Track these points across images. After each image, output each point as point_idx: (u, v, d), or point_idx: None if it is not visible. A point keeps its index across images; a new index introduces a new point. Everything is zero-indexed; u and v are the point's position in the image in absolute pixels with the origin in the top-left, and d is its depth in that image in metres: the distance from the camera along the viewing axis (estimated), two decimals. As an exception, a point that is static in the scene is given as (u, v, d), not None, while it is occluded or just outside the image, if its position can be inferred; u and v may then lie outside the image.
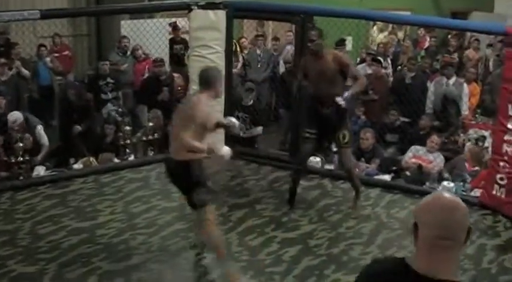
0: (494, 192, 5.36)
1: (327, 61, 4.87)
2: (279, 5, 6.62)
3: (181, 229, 4.86)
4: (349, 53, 9.31)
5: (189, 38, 6.85)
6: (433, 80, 7.57)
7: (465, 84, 7.39)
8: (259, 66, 8.55)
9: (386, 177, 6.19)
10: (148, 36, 8.40)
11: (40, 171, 6.05)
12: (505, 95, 5.25)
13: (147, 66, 8.20)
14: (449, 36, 9.65)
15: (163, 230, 4.87)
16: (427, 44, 9.64)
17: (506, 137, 5.23)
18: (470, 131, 6.80)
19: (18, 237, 4.67)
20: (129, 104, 7.99)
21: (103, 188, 5.74)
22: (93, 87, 7.72)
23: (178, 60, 8.61)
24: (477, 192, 5.61)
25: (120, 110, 7.45)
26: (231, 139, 6.71)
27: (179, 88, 7.77)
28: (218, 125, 4.00)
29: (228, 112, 6.61)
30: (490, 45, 9.11)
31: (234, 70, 7.51)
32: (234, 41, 7.46)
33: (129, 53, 8.32)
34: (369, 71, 7.89)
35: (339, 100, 4.82)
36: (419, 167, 6.14)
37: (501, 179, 5.29)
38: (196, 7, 6.40)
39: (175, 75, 7.92)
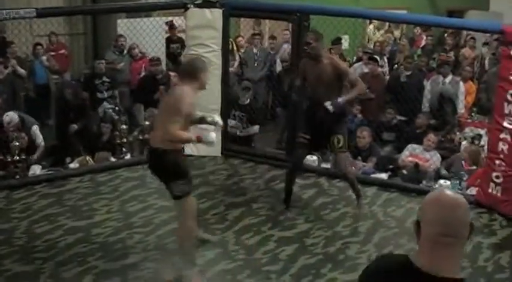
0: (490, 190, 5.37)
1: (324, 65, 4.85)
2: (275, 4, 6.61)
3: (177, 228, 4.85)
4: (346, 52, 9.34)
5: (186, 37, 6.85)
6: (430, 79, 7.58)
7: (461, 83, 7.41)
8: (256, 65, 8.55)
9: (383, 176, 6.20)
10: (144, 35, 8.39)
11: (36, 170, 6.03)
12: (500, 94, 5.26)
13: (143, 65, 8.20)
14: (445, 34, 9.67)
15: (160, 229, 4.86)
16: (423, 43, 9.66)
17: (502, 136, 5.24)
18: (467, 130, 6.82)
19: (15, 237, 4.66)
20: (125, 103, 7.98)
21: (99, 187, 5.74)
22: (89, 86, 7.70)
23: (174, 59, 8.60)
24: (473, 191, 5.62)
25: (116, 108, 7.44)
26: (227, 137, 6.74)
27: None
28: (201, 121, 4.01)
29: (224, 111, 6.63)
30: (486, 44, 9.13)
31: (231, 69, 7.51)
32: (231, 39, 7.46)
33: (125, 51, 8.32)
34: (366, 70, 7.92)
35: (327, 104, 4.79)
36: (416, 165, 6.15)
37: (497, 177, 5.30)
38: (192, 6, 6.40)
39: (172, 74, 7.92)
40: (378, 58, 8.19)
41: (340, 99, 4.81)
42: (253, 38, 8.81)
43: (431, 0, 11.49)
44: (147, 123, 6.82)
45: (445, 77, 7.38)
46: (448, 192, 1.70)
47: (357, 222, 5.08)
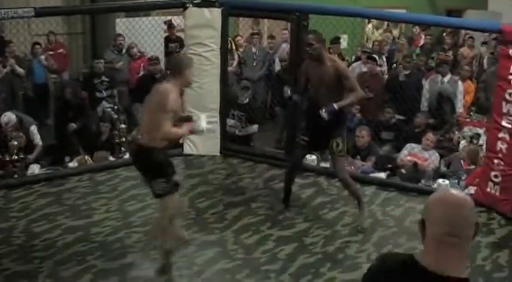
0: (488, 189, 5.38)
1: (327, 67, 4.81)
2: (274, 3, 6.61)
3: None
4: (345, 51, 9.34)
5: (185, 36, 6.85)
6: (428, 78, 7.58)
7: (460, 82, 7.41)
8: (254, 64, 8.55)
9: (382, 175, 6.20)
10: (143, 34, 8.38)
11: (35, 169, 6.03)
12: (499, 93, 5.26)
13: (142, 64, 8.20)
14: (444, 34, 9.69)
15: (159, 228, 4.86)
16: (422, 42, 9.67)
17: (500, 135, 5.24)
18: (465, 129, 6.82)
19: (13, 236, 4.66)
20: (124, 102, 7.97)
21: (98, 186, 5.74)
22: (87, 86, 7.70)
23: (173, 58, 8.60)
24: (472, 190, 5.62)
25: (115, 107, 7.43)
26: (226, 136, 6.73)
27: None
28: (187, 119, 4.04)
29: (223, 110, 6.63)
30: (484, 43, 9.14)
31: (230, 68, 7.51)
32: (230, 39, 7.45)
33: (124, 51, 8.32)
34: (364, 69, 7.92)
35: (322, 112, 4.72)
36: (415, 164, 6.15)
37: (495, 176, 5.31)
38: (191, 5, 6.40)
39: (171, 73, 7.91)
40: (377, 57, 8.19)
41: (334, 105, 4.72)
42: (252, 37, 8.81)
43: (430, 0, 11.51)
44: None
45: (443, 76, 7.38)
46: (454, 191, 1.69)
47: (355, 222, 5.07)
